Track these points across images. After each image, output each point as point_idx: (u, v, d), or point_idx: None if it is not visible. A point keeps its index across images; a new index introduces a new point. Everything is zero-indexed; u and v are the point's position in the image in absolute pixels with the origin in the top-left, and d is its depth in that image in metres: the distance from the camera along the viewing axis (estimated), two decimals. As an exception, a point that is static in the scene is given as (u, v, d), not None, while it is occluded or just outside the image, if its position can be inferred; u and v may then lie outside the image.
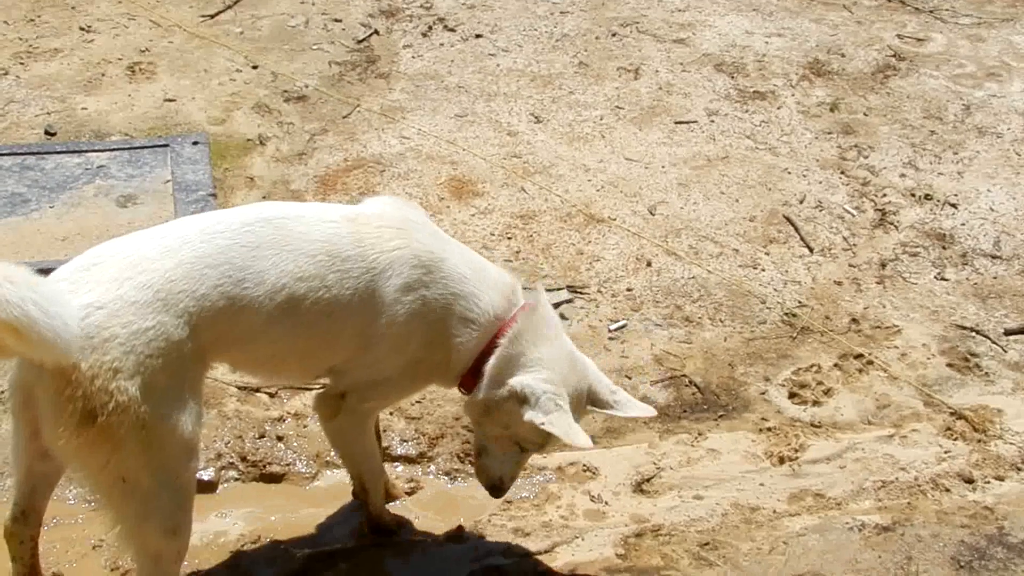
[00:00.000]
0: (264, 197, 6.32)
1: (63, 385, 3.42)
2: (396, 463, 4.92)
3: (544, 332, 4.16)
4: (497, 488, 4.33)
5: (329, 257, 3.88)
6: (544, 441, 4.16)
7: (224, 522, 4.56)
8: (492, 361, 4.10)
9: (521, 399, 4.03)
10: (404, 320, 4.01)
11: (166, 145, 6.58)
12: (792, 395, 5.40)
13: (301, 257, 3.84)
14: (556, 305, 5.70)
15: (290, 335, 3.86)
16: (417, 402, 5.14)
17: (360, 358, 4.05)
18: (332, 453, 4.89)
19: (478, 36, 7.97)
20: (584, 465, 4.99)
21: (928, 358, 5.64)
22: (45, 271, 3.49)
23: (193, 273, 3.63)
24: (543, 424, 3.97)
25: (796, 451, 5.11)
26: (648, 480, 4.94)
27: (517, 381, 4.03)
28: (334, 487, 4.78)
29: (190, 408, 3.69)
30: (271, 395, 5.16)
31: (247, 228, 3.82)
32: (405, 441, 5.01)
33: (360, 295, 3.92)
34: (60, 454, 3.63)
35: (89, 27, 7.73)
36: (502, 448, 4.25)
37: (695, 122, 7.24)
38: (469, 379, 4.18)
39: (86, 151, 6.51)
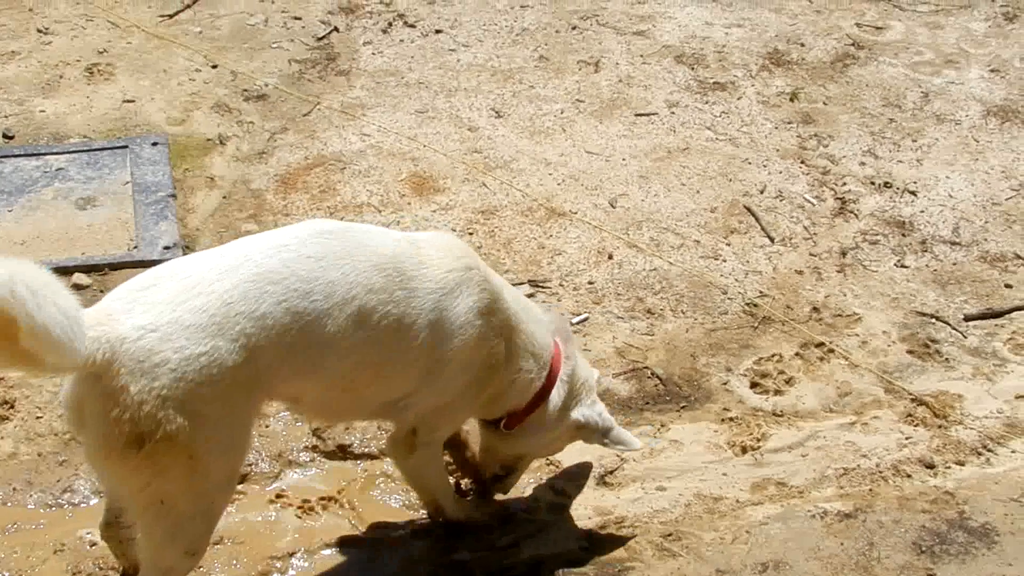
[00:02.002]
0: (225, 197, 6.30)
1: (111, 407, 3.35)
2: (359, 460, 4.91)
3: (580, 356, 4.56)
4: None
5: (397, 273, 3.87)
6: None
7: (186, 524, 4.55)
8: (557, 396, 4.40)
9: (589, 431, 4.52)
10: (475, 343, 4.08)
11: (125, 147, 6.55)
12: (754, 385, 5.43)
13: (371, 269, 3.80)
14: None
15: (361, 350, 3.80)
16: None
17: (426, 385, 4.06)
18: (294, 452, 4.90)
19: (438, 32, 7.96)
20: (547, 459, 4.99)
21: (889, 345, 5.67)
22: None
23: (253, 292, 3.54)
24: (620, 451, 4.71)
25: (758, 440, 5.14)
26: (611, 472, 4.96)
27: (581, 415, 4.48)
28: (297, 487, 4.78)
29: (240, 438, 3.67)
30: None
31: (313, 240, 3.76)
32: (367, 438, 4.99)
33: (427, 316, 3.93)
34: (101, 473, 3.62)
35: (47, 29, 7.68)
36: (521, 467, 4.72)
37: (655, 114, 7.25)
38: (522, 415, 4.41)
39: (44, 154, 6.47)
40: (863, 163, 6.91)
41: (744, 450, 5.10)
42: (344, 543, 4.56)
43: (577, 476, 4.94)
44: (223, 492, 3.74)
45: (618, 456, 5.01)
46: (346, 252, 3.79)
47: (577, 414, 4.48)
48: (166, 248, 5.81)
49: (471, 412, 4.43)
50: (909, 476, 4.99)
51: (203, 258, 3.69)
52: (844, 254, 6.21)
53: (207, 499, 3.65)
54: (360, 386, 3.96)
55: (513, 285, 5.68)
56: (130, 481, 3.52)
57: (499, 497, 4.80)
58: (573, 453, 5.02)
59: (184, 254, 5.72)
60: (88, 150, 6.52)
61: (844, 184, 6.72)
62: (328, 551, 4.52)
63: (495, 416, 4.45)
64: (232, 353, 3.47)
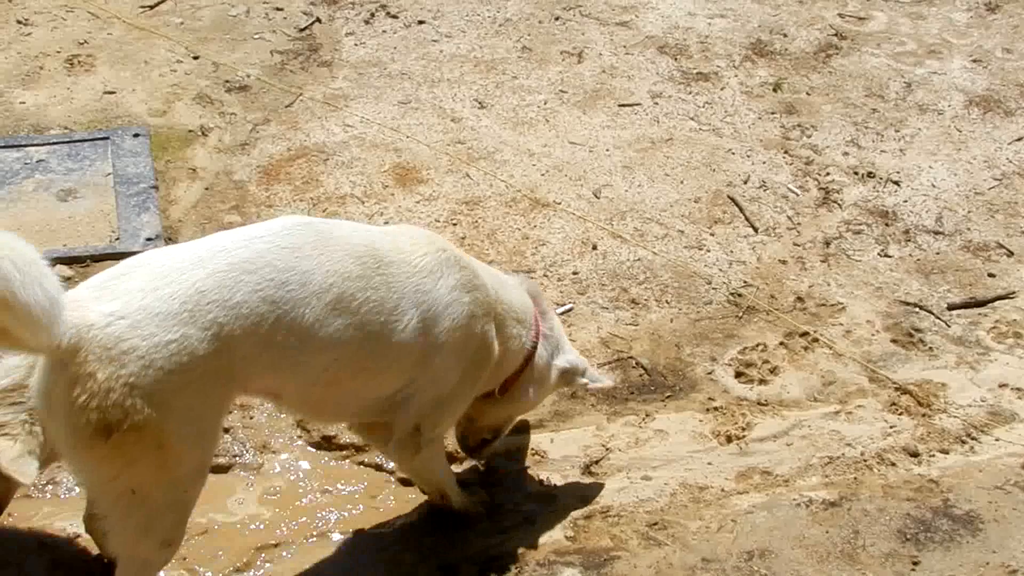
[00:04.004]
0: (207, 189, 6.27)
1: (78, 394, 3.30)
2: (344, 451, 4.90)
3: (551, 307, 4.70)
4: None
5: (374, 260, 3.86)
6: None
7: (170, 515, 4.52)
8: (544, 351, 4.51)
9: (572, 374, 4.62)
10: (465, 321, 4.08)
11: (106, 138, 6.51)
12: (738, 374, 5.43)
13: (347, 258, 3.79)
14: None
15: (342, 339, 3.76)
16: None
17: (421, 375, 4.06)
18: (279, 443, 4.89)
19: (420, 22, 7.93)
20: (533, 448, 4.99)
21: (872, 334, 5.68)
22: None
23: (227, 281, 3.50)
24: (600, 385, 4.79)
25: (743, 430, 5.14)
26: (597, 462, 4.95)
27: (566, 361, 4.60)
28: (281, 478, 4.76)
29: (211, 429, 3.64)
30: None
31: (287, 231, 3.74)
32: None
33: (410, 300, 3.92)
34: (70, 464, 3.57)
35: (26, 20, 7.63)
36: (507, 428, 4.84)
37: (639, 105, 7.24)
38: (513, 377, 4.48)
39: (24, 145, 6.43)
40: (846, 153, 6.91)
41: (729, 439, 5.10)
42: (330, 535, 4.55)
43: (563, 466, 4.93)
44: (195, 482, 3.69)
45: (603, 446, 5.01)
46: (320, 242, 3.77)
47: (561, 362, 4.59)
48: (148, 240, 5.78)
49: (471, 398, 4.41)
50: (894, 464, 5.00)
51: (178, 249, 3.67)
52: (828, 244, 6.22)
53: (179, 489, 3.62)
54: (344, 380, 3.92)
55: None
56: (99, 471, 3.48)
57: (486, 490, 4.80)
58: (559, 443, 5.03)
59: (167, 246, 5.70)
60: (69, 141, 6.48)
61: (827, 174, 6.73)
62: (314, 543, 4.50)
63: (491, 388, 4.47)
64: (203, 342, 3.43)
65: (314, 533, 4.53)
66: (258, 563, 4.39)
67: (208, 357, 3.44)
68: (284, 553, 4.44)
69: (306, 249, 3.72)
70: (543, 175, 6.59)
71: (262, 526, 4.55)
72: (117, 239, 5.81)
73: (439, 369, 4.08)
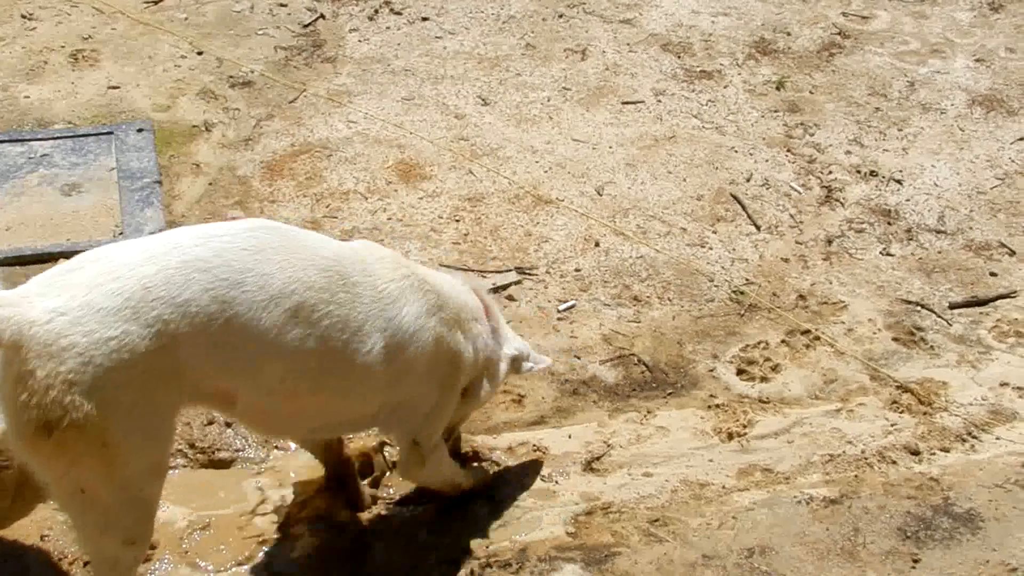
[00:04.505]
0: (211, 184, 6.28)
1: (20, 391, 3.26)
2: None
3: (495, 304, 4.65)
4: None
5: (340, 276, 3.78)
6: None
7: (173, 510, 4.53)
8: (495, 344, 4.51)
9: (519, 360, 4.62)
10: (433, 344, 4.06)
11: (110, 133, 6.52)
12: (740, 372, 5.44)
13: (311, 268, 3.69)
14: (504, 287, 5.74)
15: (300, 349, 3.66)
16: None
17: (397, 396, 4.04)
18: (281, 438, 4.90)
19: (424, 19, 7.94)
20: (534, 445, 5.00)
21: (874, 333, 5.69)
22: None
23: (176, 278, 3.40)
24: (542, 366, 4.78)
25: (744, 427, 5.15)
26: (598, 458, 4.96)
27: (512, 348, 4.59)
28: (284, 472, 4.77)
29: (160, 429, 3.55)
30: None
31: (250, 232, 3.64)
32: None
33: (374, 324, 3.86)
34: (18, 459, 3.51)
35: (31, 14, 7.64)
36: (461, 424, 4.84)
37: (642, 102, 7.25)
38: None
39: (29, 140, 6.44)
40: (849, 152, 6.92)
41: (730, 436, 5.11)
42: (332, 528, 4.56)
43: (563, 462, 4.94)
44: (150, 481, 3.61)
45: (605, 443, 5.02)
46: (284, 248, 3.67)
47: (508, 350, 4.58)
48: (152, 234, 5.78)
49: (456, 402, 4.39)
50: (894, 462, 5.00)
51: (133, 244, 3.57)
52: (830, 242, 6.22)
53: (132, 488, 3.53)
54: (302, 395, 3.81)
55: (500, 272, 5.75)
56: (47, 469, 3.44)
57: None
58: (560, 439, 5.04)
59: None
60: (73, 136, 6.49)
61: (830, 172, 6.73)
62: (314, 537, 4.51)
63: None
64: (145, 339, 3.34)
65: (315, 527, 4.53)
66: (259, 556, 4.40)
67: (150, 355, 3.36)
68: (285, 546, 4.45)
69: (268, 252, 3.61)
70: (546, 172, 6.60)
71: (263, 519, 4.55)
72: (121, 234, 5.82)
73: (417, 391, 4.08)
